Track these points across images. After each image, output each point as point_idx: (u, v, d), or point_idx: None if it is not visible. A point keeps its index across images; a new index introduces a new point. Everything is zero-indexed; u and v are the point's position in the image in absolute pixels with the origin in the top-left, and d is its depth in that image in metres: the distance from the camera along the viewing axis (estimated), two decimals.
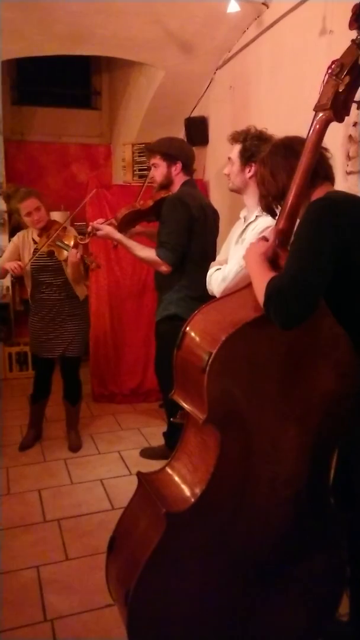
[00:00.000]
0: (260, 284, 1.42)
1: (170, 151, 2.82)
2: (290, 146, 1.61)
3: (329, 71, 1.44)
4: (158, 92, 4.34)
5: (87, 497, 2.83)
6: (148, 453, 3.28)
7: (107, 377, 4.22)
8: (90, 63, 5.58)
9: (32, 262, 3.13)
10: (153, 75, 4.34)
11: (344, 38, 2.49)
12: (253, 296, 1.46)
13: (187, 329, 1.52)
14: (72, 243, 3.08)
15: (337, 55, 1.48)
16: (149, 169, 2.93)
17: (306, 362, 1.46)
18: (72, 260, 3.04)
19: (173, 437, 3.10)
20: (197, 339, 1.48)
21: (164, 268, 2.74)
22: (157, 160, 2.83)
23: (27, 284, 3.29)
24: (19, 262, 3.08)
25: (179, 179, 2.85)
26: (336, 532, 1.64)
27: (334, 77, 1.43)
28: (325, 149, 1.60)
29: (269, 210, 1.67)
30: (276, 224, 1.53)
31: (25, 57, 4.25)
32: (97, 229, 2.80)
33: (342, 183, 2.47)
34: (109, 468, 3.15)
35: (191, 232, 2.75)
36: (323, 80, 1.46)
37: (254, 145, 2.21)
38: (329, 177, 1.61)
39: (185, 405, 1.52)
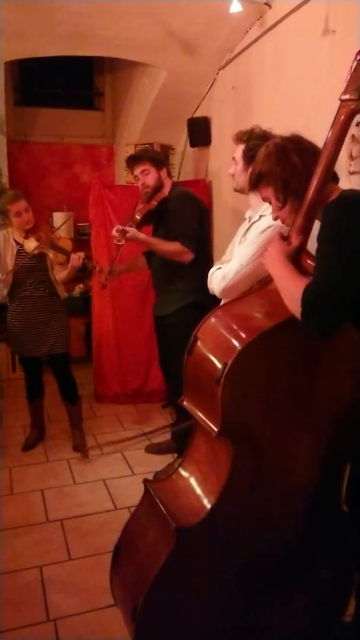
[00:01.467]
0: (291, 288, 1.36)
1: (157, 157, 3.00)
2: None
3: (359, 57, 1.35)
4: (160, 93, 4.35)
5: (90, 497, 2.83)
6: (153, 449, 3.31)
7: (110, 377, 4.22)
8: (92, 64, 5.58)
9: (16, 263, 3.16)
10: (155, 75, 4.34)
11: (346, 38, 2.51)
12: (267, 300, 1.42)
13: (199, 333, 1.47)
14: (70, 248, 3.10)
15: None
16: (136, 178, 2.97)
17: (323, 370, 1.41)
18: (75, 265, 3.06)
19: (180, 431, 3.11)
20: (210, 345, 1.42)
21: (189, 256, 2.82)
22: (146, 166, 2.91)
23: (6, 283, 3.24)
24: (5, 273, 3.15)
25: (167, 182, 2.98)
26: (345, 539, 1.60)
27: None
28: None
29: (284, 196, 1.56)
30: (295, 222, 1.47)
31: (28, 58, 4.26)
32: (126, 232, 2.82)
33: (345, 183, 2.46)
34: (112, 468, 3.15)
35: (201, 224, 2.92)
36: (351, 68, 1.37)
37: (257, 145, 2.20)
38: (336, 177, 1.56)
39: (196, 413, 1.47)
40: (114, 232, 2.86)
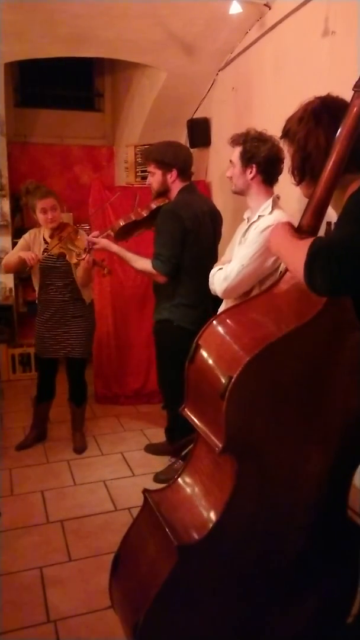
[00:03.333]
0: (296, 251, 1.23)
1: (165, 159, 2.77)
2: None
3: None
4: (160, 94, 4.35)
5: (90, 499, 2.83)
6: (152, 449, 3.35)
7: (110, 378, 4.22)
8: (93, 65, 5.58)
9: (41, 263, 3.13)
10: (155, 76, 4.34)
11: (346, 39, 2.51)
12: (273, 306, 1.36)
13: (201, 341, 1.38)
14: (84, 247, 3.07)
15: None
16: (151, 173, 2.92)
17: (331, 381, 1.34)
18: (85, 266, 3.01)
19: (174, 432, 3.11)
20: (214, 355, 1.34)
21: (160, 279, 2.78)
22: (151, 168, 2.83)
23: (35, 283, 3.30)
24: (36, 253, 3.08)
25: (175, 186, 2.82)
26: (350, 547, 1.56)
27: None
28: None
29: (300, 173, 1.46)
30: (302, 220, 1.37)
31: (28, 59, 4.26)
32: (94, 243, 2.83)
33: None
34: (112, 469, 3.15)
35: (184, 243, 2.73)
36: None
37: (253, 147, 2.22)
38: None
39: (198, 424, 1.39)
40: (87, 239, 2.86)
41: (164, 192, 2.86)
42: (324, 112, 1.41)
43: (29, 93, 5.40)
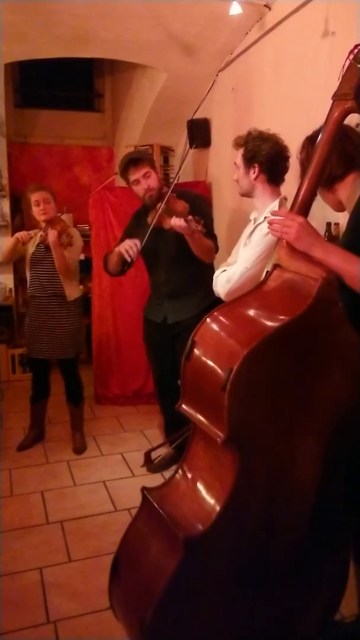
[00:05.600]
0: (352, 265, 1.35)
1: (152, 158, 3.00)
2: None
3: (351, 56, 1.33)
4: (160, 95, 4.35)
5: (90, 499, 2.83)
6: (158, 467, 3.08)
7: (110, 379, 4.22)
8: (93, 66, 5.59)
9: (31, 256, 3.23)
10: (155, 77, 4.35)
11: (346, 40, 2.50)
12: (264, 302, 1.39)
13: (196, 337, 1.42)
14: (58, 227, 3.08)
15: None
16: (136, 182, 2.80)
17: (324, 372, 1.40)
18: (51, 239, 3.05)
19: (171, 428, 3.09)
20: (211, 350, 1.38)
21: (214, 255, 2.77)
22: (147, 168, 2.80)
23: (28, 275, 3.35)
24: (28, 232, 3.21)
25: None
26: (343, 536, 1.61)
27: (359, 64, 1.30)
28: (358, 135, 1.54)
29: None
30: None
31: (29, 59, 4.27)
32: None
33: None
34: (112, 470, 3.15)
35: None
36: (343, 67, 1.35)
37: (255, 146, 2.21)
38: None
39: (198, 418, 1.43)
40: (182, 223, 2.42)
41: (161, 188, 2.82)
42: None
43: (29, 94, 5.41)
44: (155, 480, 3.00)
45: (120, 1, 3.29)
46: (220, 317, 1.44)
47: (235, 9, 3.13)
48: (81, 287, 5.21)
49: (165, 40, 3.68)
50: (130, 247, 2.71)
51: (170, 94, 4.31)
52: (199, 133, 4.28)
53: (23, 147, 5.41)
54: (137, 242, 2.73)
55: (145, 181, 2.79)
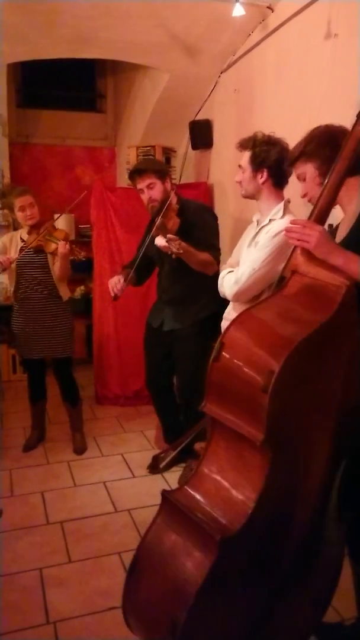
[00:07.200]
0: None
1: (160, 167, 2.86)
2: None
3: None
4: (163, 95, 4.36)
5: (90, 500, 2.82)
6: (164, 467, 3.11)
7: (111, 379, 4.22)
8: (95, 66, 5.59)
9: (18, 259, 3.15)
10: (158, 78, 4.35)
11: (349, 41, 2.51)
12: (287, 308, 1.45)
13: (225, 339, 1.46)
14: (62, 237, 3.09)
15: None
16: (140, 192, 2.80)
17: (335, 372, 1.46)
18: (62, 251, 3.04)
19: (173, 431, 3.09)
20: (244, 352, 1.43)
21: (215, 268, 2.72)
22: (152, 179, 2.75)
23: (10, 282, 3.29)
24: (8, 256, 3.13)
25: (172, 193, 2.81)
26: (339, 531, 1.66)
27: None
28: None
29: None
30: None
31: (31, 60, 4.27)
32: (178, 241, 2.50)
33: None
34: (112, 470, 3.15)
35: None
36: None
37: (263, 151, 2.19)
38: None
39: (229, 419, 1.45)
40: (163, 243, 2.45)
41: (165, 200, 2.75)
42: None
43: (31, 94, 5.41)
44: (155, 480, 3.00)
45: (123, 2, 3.29)
46: (247, 321, 1.49)
47: (238, 11, 3.13)
48: (82, 287, 5.24)
49: (167, 41, 3.69)
50: (115, 284, 2.86)
51: (172, 95, 4.31)
52: (201, 134, 4.28)
53: (25, 148, 5.42)
54: (122, 278, 2.88)
55: (148, 192, 2.78)
